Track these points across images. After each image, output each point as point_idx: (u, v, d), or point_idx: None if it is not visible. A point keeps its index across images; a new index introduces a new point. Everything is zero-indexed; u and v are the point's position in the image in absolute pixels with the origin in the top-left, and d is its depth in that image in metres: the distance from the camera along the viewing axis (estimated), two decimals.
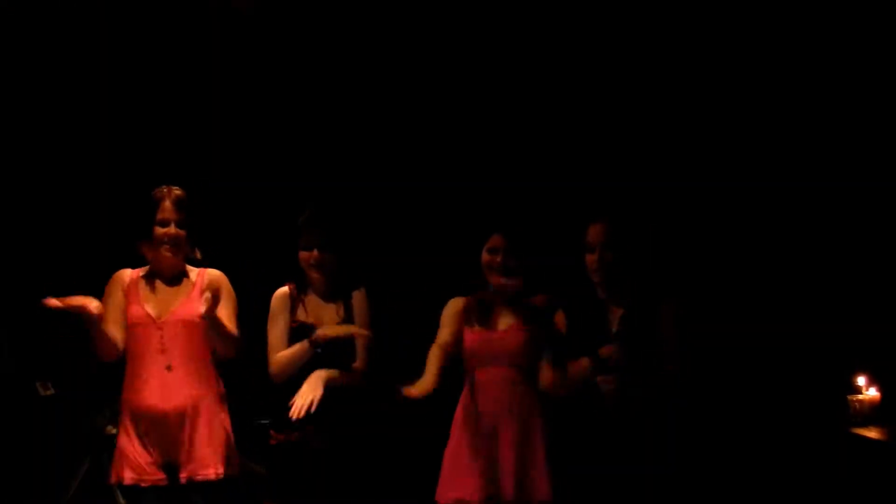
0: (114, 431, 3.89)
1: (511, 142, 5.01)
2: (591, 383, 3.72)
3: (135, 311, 3.83)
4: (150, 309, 3.83)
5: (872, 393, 4.20)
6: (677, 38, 4.83)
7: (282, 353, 4.03)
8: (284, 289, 4.14)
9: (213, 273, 3.96)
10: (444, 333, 3.97)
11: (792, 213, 4.73)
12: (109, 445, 3.94)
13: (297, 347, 4.00)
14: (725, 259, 4.74)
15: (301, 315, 4.10)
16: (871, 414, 4.16)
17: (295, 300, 4.11)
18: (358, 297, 4.12)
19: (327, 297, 4.13)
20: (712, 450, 4.14)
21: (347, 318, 4.10)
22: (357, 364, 4.06)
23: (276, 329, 4.08)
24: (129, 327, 3.82)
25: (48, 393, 4.08)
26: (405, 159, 5.06)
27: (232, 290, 3.96)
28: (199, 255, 3.97)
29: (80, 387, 4.35)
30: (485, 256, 3.93)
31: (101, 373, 4.03)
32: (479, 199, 4.77)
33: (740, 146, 4.81)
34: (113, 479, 3.78)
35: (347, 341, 4.05)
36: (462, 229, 4.20)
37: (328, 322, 4.08)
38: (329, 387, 3.95)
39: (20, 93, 4.94)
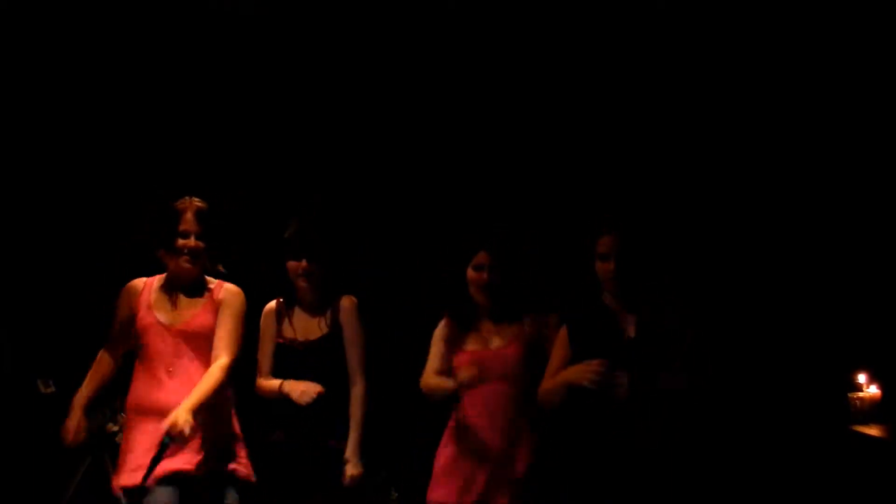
0: (114, 429, 3.89)
1: (507, 149, 5.01)
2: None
3: (147, 319, 3.88)
4: (164, 317, 3.88)
5: (873, 390, 4.21)
6: (679, 42, 4.84)
7: (265, 383, 4.09)
8: (272, 304, 4.15)
9: (229, 288, 3.98)
10: (437, 358, 4.00)
11: (793, 211, 4.74)
12: (109, 443, 3.94)
13: (274, 385, 4.05)
14: (726, 257, 4.75)
15: (287, 330, 4.10)
16: (872, 411, 4.17)
17: (281, 315, 4.12)
18: (349, 317, 4.10)
19: (314, 309, 4.11)
20: (713, 447, 4.13)
21: (333, 330, 4.09)
22: (357, 389, 4.07)
23: (264, 348, 4.14)
24: (141, 334, 3.88)
25: (49, 391, 4.08)
26: (394, 167, 5.05)
27: (241, 308, 3.96)
28: (221, 269, 4.00)
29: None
30: (470, 273, 3.96)
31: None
32: (469, 208, 4.79)
33: (739, 148, 4.82)
34: (118, 484, 3.78)
35: (335, 355, 4.08)
36: (450, 237, 4.21)
37: (311, 336, 4.11)
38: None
39: (21, 92, 4.94)
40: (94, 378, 3.94)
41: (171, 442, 3.62)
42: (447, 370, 3.97)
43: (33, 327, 4.79)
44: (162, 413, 3.70)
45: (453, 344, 3.99)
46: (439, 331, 4.05)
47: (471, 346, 3.97)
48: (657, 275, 3.80)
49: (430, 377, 3.97)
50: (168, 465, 3.70)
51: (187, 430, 3.60)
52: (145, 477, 3.63)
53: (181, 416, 3.61)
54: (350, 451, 3.98)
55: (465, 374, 3.80)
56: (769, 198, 4.77)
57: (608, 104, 4.89)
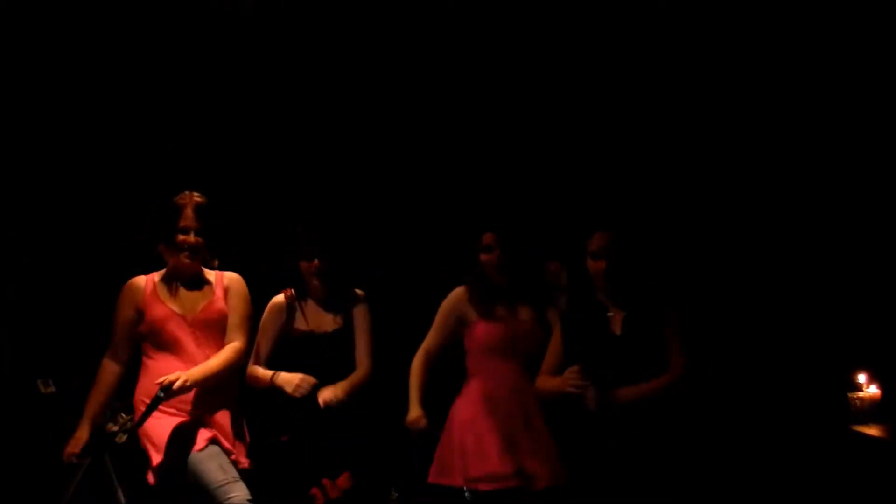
0: (114, 429, 3.89)
1: (508, 145, 5.01)
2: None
3: (161, 310, 3.92)
4: (178, 308, 3.93)
5: (873, 390, 4.20)
6: (677, 42, 4.84)
7: (258, 371, 4.08)
8: (280, 297, 4.16)
9: (231, 276, 4.06)
10: (439, 335, 4.04)
11: (792, 211, 4.74)
12: (109, 443, 3.93)
13: (266, 376, 4.05)
14: (726, 256, 4.75)
15: (300, 322, 4.11)
16: (872, 411, 4.16)
17: (292, 308, 4.12)
18: (359, 307, 4.14)
19: (327, 304, 4.14)
20: (712, 447, 4.14)
21: (346, 327, 4.11)
22: (361, 370, 4.07)
23: (266, 337, 4.12)
24: (157, 325, 3.90)
25: (49, 391, 4.07)
26: (402, 165, 5.06)
27: (247, 293, 4.05)
28: (216, 264, 4.07)
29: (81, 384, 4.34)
30: (482, 256, 4.03)
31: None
32: (475, 203, 4.79)
33: (738, 148, 4.82)
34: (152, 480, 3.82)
35: (348, 348, 4.07)
36: (459, 233, 4.23)
37: (326, 329, 4.11)
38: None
39: (21, 92, 4.94)
40: (100, 388, 3.95)
41: (164, 396, 3.69)
42: (444, 349, 4.05)
43: (33, 327, 4.79)
44: (181, 402, 3.77)
45: (479, 313, 4.02)
46: (449, 303, 4.09)
47: (499, 315, 4.01)
48: (657, 275, 3.84)
49: (417, 369, 4.03)
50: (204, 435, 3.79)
51: (178, 385, 3.65)
52: (138, 424, 3.75)
53: (181, 375, 3.69)
54: (341, 384, 3.97)
55: (420, 423, 3.91)
56: (769, 198, 4.77)
57: (607, 104, 4.89)
